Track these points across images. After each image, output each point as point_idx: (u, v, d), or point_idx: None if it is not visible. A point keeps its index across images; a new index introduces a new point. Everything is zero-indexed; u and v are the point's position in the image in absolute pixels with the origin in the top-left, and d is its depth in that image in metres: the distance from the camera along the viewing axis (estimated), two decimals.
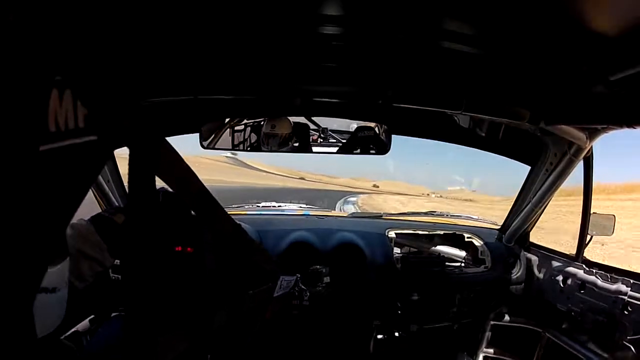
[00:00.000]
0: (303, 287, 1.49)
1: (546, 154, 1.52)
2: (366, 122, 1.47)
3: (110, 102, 0.32)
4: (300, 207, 2.24)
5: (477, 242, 1.81)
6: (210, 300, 0.63)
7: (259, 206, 2.14)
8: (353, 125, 1.52)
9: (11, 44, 0.20)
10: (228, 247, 0.70)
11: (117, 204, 1.57)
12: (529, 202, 1.63)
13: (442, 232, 1.86)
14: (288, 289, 1.15)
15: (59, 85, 0.25)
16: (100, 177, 1.49)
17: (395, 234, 1.80)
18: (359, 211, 9.05)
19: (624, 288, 1.24)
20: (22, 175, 0.23)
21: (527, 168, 1.67)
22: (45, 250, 0.26)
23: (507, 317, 1.78)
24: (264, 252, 0.98)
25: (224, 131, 1.44)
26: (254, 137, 1.45)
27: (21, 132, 0.22)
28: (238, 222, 0.70)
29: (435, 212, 2.19)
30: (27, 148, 0.23)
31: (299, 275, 1.37)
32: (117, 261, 1.28)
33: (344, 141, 1.50)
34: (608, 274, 1.31)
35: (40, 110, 0.23)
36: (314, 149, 1.49)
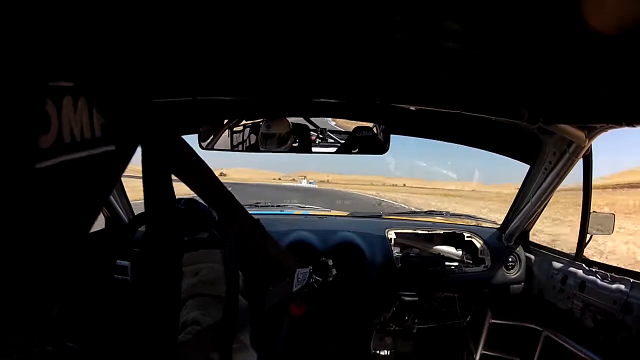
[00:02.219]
0: (318, 278, 1.50)
1: (545, 153, 1.52)
2: (364, 122, 1.46)
3: (126, 108, 0.31)
4: (300, 206, 2.24)
5: (477, 242, 1.81)
6: (234, 301, 0.61)
7: (257, 206, 2.14)
8: (332, 122, 1.53)
9: (11, 45, 0.20)
10: (248, 243, 0.69)
11: (117, 205, 1.57)
12: (528, 201, 1.63)
13: (441, 232, 1.86)
14: (304, 281, 1.15)
15: (73, 92, 0.24)
16: None
17: (395, 233, 1.80)
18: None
19: (623, 287, 1.24)
20: (35, 190, 0.22)
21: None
22: (65, 263, 0.26)
23: (507, 317, 1.78)
24: (280, 246, 0.97)
25: (223, 132, 1.43)
26: (253, 138, 1.45)
27: (32, 144, 0.22)
28: (256, 218, 0.68)
29: (434, 211, 2.19)
30: (38, 162, 0.22)
31: (311, 268, 1.37)
32: (123, 262, 1.28)
33: (343, 141, 1.50)
34: (608, 273, 1.31)
35: (52, 120, 0.22)
36: (314, 149, 1.49)
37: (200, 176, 0.44)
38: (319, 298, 1.55)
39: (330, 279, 1.59)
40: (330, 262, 1.61)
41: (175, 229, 0.40)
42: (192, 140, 1.43)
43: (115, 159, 0.30)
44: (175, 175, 0.38)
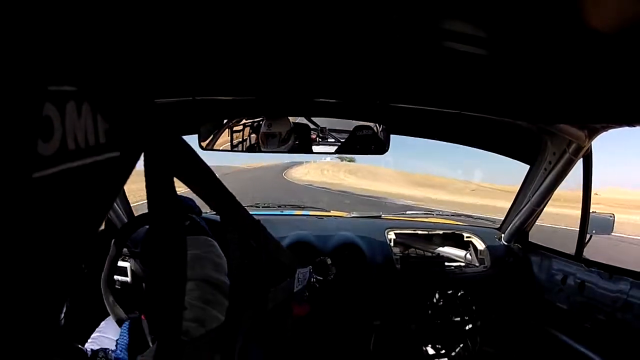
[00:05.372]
0: (319, 277, 1.50)
1: (545, 152, 1.52)
2: (364, 122, 1.46)
3: (130, 112, 0.30)
4: (299, 207, 2.24)
5: (477, 242, 1.81)
6: (236, 303, 0.61)
7: (258, 206, 2.14)
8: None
9: (12, 49, 0.20)
10: (250, 244, 0.69)
11: (120, 211, 1.57)
12: (528, 201, 1.63)
13: (441, 232, 1.86)
14: (305, 281, 1.15)
15: (76, 97, 0.24)
16: None
17: (395, 234, 1.80)
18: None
19: (623, 287, 1.24)
20: (37, 198, 0.22)
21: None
22: (71, 269, 0.25)
23: (507, 317, 1.78)
24: (281, 246, 0.97)
25: (223, 132, 1.43)
26: (253, 138, 1.45)
27: (33, 151, 0.21)
28: (257, 218, 0.68)
29: (434, 212, 2.19)
30: (40, 169, 0.22)
31: (311, 267, 1.37)
32: (127, 265, 1.27)
33: (343, 140, 1.50)
34: (608, 273, 1.31)
35: (41, 127, 0.22)
36: (314, 148, 1.48)
37: (202, 177, 0.44)
38: (320, 297, 1.56)
39: (331, 277, 1.60)
40: (329, 261, 1.62)
41: (180, 230, 0.39)
42: (191, 140, 1.43)
43: (120, 165, 0.29)
44: (177, 177, 0.37)
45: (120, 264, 1.27)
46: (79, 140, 0.24)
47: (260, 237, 0.68)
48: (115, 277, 1.26)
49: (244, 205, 0.63)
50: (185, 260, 0.39)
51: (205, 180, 0.45)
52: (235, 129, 1.44)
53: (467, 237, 1.83)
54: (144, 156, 0.33)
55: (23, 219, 0.21)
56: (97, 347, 0.80)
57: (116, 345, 0.86)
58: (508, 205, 1.83)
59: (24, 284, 0.21)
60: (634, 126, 1.00)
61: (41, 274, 0.23)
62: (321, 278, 1.54)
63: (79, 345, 0.79)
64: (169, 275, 0.37)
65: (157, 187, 0.35)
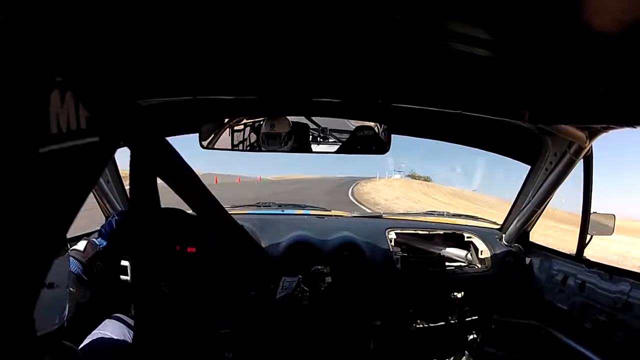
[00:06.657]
0: (305, 288, 1.48)
1: (546, 153, 1.52)
2: (365, 122, 1.46)
3: (111, 103, 0.32)
4: (300, 206, 2.24)
5: (477, 242, 1.81)
6: (214, 302, 0.63)
7: (259, 205, 2.13)
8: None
9: (11, 44, 0.20)
10: (230, 247, 0.70)
11: (117, 204, 1.57)
12: (529, 202, 1.63)
13: (442, 232, 1.86)
14: (290, 290, 1.15)
15: (61, 86, 0.25)
16: (100, 178, 1.50)
17: (395, 234, 1.80)
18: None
19: (624, 288, 1.24)
20: (24, 177, 0.23)
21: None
22: (47, 251, 0.26)
23: (507, 317, 1.78)
24: (265, 252, 0.98)
25: (224, 131, 1.43)
26: (253, 137, 1.45)
27: (21, 134, 0.22)
28: (240, 223, 0.70)
29: (435, 211, 2.19)
30: (27, 150, 0.23)
31: (301, 277, 1.36)
32: (128, 264, 1.28)
33: (344, 140, 1.50)
34: (608, 274, 1.31)
35: (41, 111, 0.23)
36: (314, 148, 1.48)
37: (185, 179, 0.46)
38: (307, 307, 1.52)
39: (323, 288, 1.56)
40: (326, 270, 1.58)
41: (157, 225, 0.41)
42: (192, 139, 1.43)
43: (99, 150, 0.31)
44: (161, 178, 0.39)
45: (121, 263, 1.26)
46: (61, 125, 0.26)
47: (241, 241, 0.69)
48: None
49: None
50: (160, 249, 0.42)
51: (188, 183, 0.46)
52: (236, 128, 1.44)
53: (467, 238, 1.83)
54: (130, 157, 0.35)
55: (7, 199, 0.22)
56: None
57: (100, 234, 0.95)
58: None
59: (6, 267, 0.22)
60: (635, 127, 1.00)
61: (22, 254, 0.23)
62: (307, 289, 1.48)
63: (73, 345, 0.79)
64: (147, 262, 0.38)
65: (140, 185, 0.36)
